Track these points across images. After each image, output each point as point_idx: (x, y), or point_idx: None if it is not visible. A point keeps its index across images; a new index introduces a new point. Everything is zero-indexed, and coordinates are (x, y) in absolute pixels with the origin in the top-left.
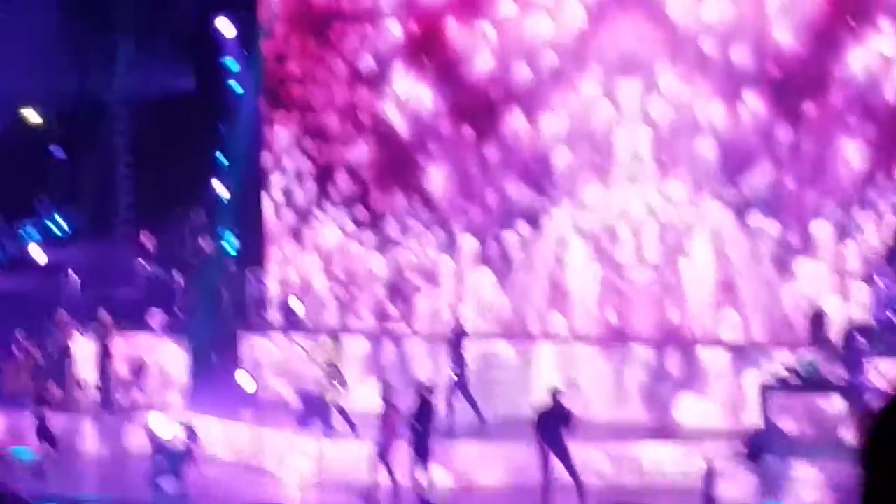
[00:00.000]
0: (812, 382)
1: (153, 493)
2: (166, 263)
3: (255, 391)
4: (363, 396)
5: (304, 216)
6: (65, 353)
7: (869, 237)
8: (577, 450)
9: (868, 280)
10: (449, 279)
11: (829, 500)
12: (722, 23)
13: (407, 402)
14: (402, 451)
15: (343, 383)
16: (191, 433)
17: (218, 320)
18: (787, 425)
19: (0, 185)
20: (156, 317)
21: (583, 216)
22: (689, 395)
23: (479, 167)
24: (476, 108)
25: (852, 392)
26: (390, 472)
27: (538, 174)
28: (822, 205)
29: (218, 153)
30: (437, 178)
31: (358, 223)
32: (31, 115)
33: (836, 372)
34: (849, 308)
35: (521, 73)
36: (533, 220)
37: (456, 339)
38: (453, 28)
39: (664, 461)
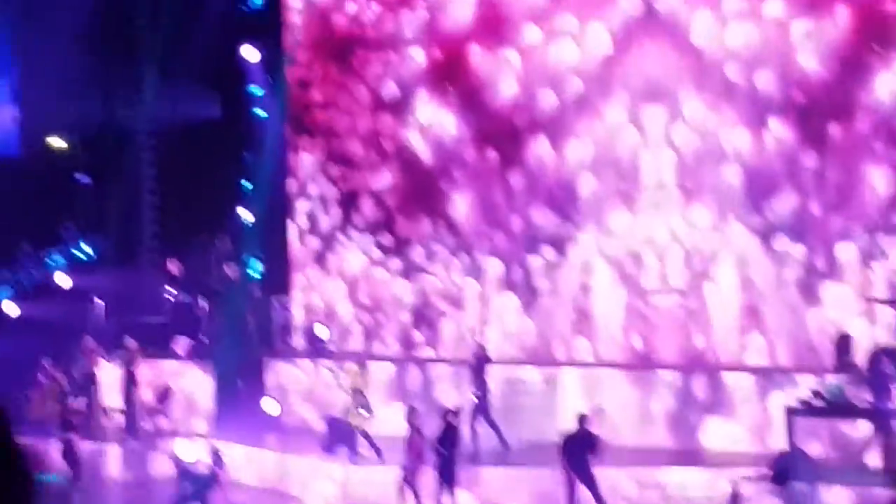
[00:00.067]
0: (838, 406)
1: None
2: (192, 290)
3: (280, 416)
4: (389, 421)
5: (328, 242)
6: (90, 379)
7: (894, 262)
8: (603, 474)
9: (894, 304)
10: (474, 304)
11: None
12: (747, 49)
13: (432, 427)
14: (428, 477)
15: (369, 409)
16: (217, 458)
17: (243, 346)
18: (813, 449)
19: (26, 213)
20: (181, 343)
21: (608, 242)
22: (714, 420)
23: (503, 194)
24: (500, 134)
25: (878, 416)
26: (416, 498)
27: (563, 201)
28: (848, 229)
29: (243, 180)
30: (461, 204)
31: (383, 249)
32: (57, 143)
33: (862, 396)
34: (875, 332)
35: (546, 100)
36: (558, 246)
37: (477, 363)
38: (477, 55)
39: (689, 485)
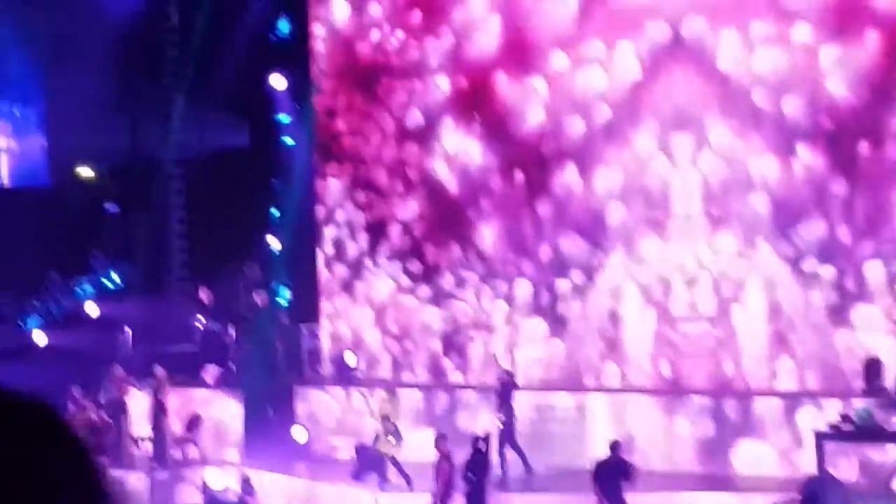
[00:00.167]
0: (867, 430)
1: None
2: (221, 318)
3: (310, 443)
4: (417, 447)
5: (356, 269)
6: (120, 408)
7: None
8: (633, 500)
9: None
10: (503, 331)
11: None
12: (774, 75)
13: (461, 454)
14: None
15: (398, 437)
16: (247, 485)
17: (273, 374)
18: (842, 473)
19: (55, 242)
20: (210, 371)
21: (637, 269)
22: (743, 444)
23: (531, 222)
24: (527, 162)
25: None
26: None
27: (592, 228)
28: (877, 253)
29: (271, 208)
30: (488, 233)
31: (411, 276)
32: (86, 172)
33: (892, 420)
34: None
35: (574, 128)
36: (587, 272)
37: (503, 388)
38: (503, 82)
39: None
